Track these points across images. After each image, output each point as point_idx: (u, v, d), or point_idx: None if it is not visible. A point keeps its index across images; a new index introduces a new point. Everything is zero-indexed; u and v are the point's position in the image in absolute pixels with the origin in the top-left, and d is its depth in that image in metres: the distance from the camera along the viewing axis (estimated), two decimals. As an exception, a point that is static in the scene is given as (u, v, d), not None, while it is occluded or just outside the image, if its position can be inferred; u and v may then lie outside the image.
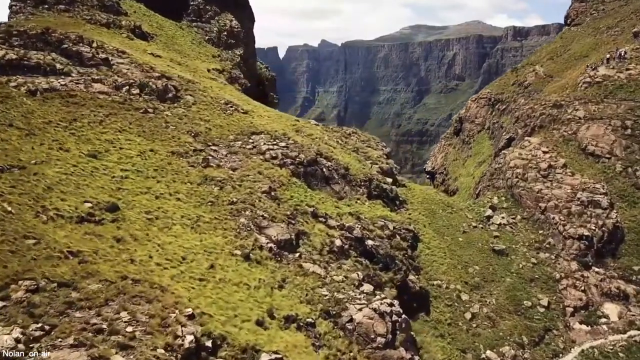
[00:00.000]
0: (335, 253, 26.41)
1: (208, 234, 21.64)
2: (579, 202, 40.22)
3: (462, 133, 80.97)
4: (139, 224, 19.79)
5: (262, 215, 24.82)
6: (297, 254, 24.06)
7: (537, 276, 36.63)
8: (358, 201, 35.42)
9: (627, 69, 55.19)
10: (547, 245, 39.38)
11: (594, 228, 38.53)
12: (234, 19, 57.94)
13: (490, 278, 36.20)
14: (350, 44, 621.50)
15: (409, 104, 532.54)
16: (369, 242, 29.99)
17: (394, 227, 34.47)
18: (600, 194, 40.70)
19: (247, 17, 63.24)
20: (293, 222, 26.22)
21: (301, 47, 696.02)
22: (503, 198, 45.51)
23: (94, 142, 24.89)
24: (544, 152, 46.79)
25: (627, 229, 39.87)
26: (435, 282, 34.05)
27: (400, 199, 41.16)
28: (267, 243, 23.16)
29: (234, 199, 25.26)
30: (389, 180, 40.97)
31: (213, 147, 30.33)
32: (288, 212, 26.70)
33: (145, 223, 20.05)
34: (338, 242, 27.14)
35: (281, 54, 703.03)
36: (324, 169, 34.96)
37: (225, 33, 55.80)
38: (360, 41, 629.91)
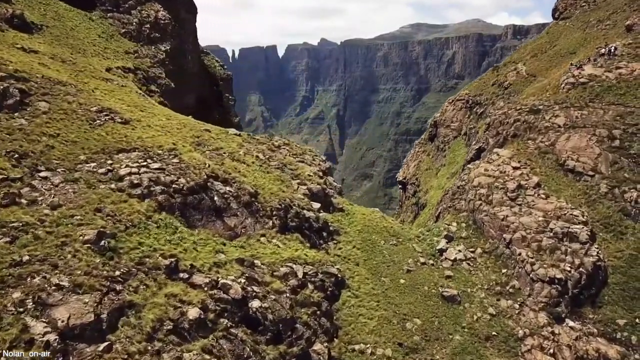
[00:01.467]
0: (182, 332, 18.38)
1: None
2: (551, 234, 32.20)
3: (437, 139, 72.83)
4: None
5: (58, 284, 16.77)
6: (105, 345, 16.03)
7: (494, 333, 28.59)
8: (262, 238, 27.41)
9: (617, 68, 47.19)
10: (511, 290, 31.37)
11: (569, 269, 30.50)
12: (161, 9, 49.82)
13: (435, 336, 28.17)
14: (350, 42, 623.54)
15: (409, 102, 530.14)
16: (255, 304, 21.95)
17: (306, 273, 26.49)
18: (579, 223, 32.69)
19: (183, 7, 55.17)
20: (118, 288, 18.16)
21: (301, 46, 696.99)
22: (463, 224, 37.54)
23: None
24: (514, 168, 38.80)
25: (612, 268, 31.86)
26: (356, 347, 25.99)
27: (331, 228, 33.17)
28: (45, 333, 15.14)
29: (25, 257, 17.23)
30: (317, 205, 32.94)
31: (44, 174, 22.27)
32: (116, 273, 18.64)
33: None
34: (194, 313, 19.08)
35: (281, 52, 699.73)
36: (216, 197, 26.92)
37: (148, 25, 47.70)
38: (360, 40, 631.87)
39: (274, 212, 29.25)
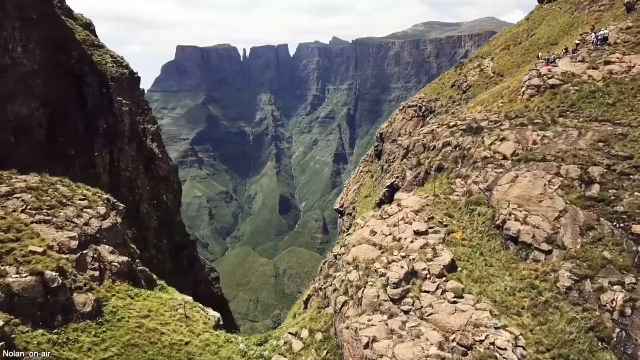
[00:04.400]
0: None
1: None
2: (445, 393, 16.00)
3: (382, 156, 56.50)
4: None
5: None
6: None
7: None
8: None
9: (607, 62, 30.74)
10: None
11: None
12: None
13: None
14: (361, 40, 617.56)
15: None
16: None
17: None
18: (504, 367, 16.44)
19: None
20: None
21: (312, 44, 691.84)
22: (319, 336, 21.52)
23: None
24: (416, 233, 22.62)
25: None
26: None
27: (29, 367, 17.31)
28: None
29: None
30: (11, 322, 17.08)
31: None
32: None
33: None
34: None
35: (292, 51, 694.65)
36: None
37: None
38: (371, 38, 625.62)
39: None
